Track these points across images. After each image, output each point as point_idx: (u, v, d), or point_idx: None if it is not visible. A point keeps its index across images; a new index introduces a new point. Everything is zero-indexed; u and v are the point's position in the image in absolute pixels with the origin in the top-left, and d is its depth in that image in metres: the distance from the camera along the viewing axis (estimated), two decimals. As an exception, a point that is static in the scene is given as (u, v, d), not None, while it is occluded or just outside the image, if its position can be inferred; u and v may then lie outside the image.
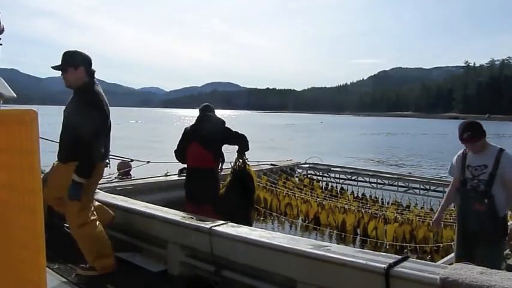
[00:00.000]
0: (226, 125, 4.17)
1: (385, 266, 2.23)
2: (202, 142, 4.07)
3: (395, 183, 6.99)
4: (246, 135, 4.25)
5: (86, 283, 3.17)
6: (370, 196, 6.68)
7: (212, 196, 4.05)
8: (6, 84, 6.01)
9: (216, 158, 4.17)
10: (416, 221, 5.25)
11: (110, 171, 4.95)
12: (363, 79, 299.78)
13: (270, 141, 26.63)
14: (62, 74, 3.21)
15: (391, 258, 2.38)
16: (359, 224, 5.58)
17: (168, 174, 5.61)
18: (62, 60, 3.19)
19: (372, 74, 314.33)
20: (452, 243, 4.68)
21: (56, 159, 3.32)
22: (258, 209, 6.18)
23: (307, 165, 8.07)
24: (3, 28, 4.78)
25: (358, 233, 5.56)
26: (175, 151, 4.27)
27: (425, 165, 17.45)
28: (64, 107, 3.30)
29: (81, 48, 3.26)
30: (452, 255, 3.66)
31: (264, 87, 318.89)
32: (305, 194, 6.51)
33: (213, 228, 3.08)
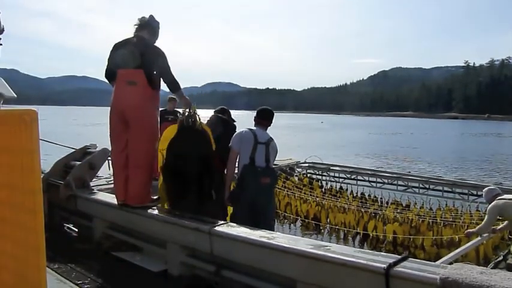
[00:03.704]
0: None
1: (385, 265, 2.23)
2: None
3: (395, 182, 6.99)
4: None
5: (86, 283, 3.18)
6: (370, 195, 6.67)
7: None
8: (6, 84, 6.01)
9: (224, 162, 4.11)
10: (416, 220, 5.25)
11: (110, 171, 4.94)
12: (362, 79, 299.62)
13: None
14: None
15: (391, 258, 2.38)
16: (359, 224, 5.58)
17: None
18: None
19: (372, 74, 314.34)
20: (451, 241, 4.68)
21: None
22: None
23: (307, 165, 8.07)
24: (3, 28, 4.78)
25: (358, 232, 5.56)
26: None
27: (425, 165, 17.45)
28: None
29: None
30: (452, 254, 3.66)
31: (264, 87, 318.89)
32: (304, 193, 6.51)
33: (213, 228, 3.08)
